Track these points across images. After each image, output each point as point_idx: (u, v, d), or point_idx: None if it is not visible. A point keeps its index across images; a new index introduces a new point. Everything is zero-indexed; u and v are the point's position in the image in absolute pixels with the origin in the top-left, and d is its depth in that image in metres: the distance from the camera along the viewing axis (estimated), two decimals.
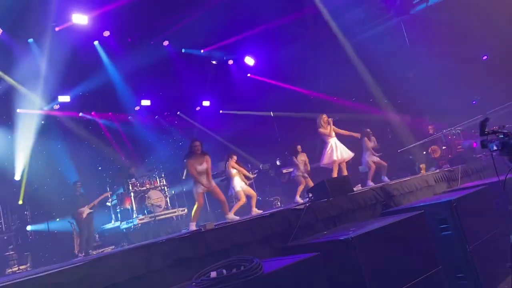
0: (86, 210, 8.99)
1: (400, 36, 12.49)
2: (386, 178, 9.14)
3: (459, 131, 12.00)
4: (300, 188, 9.05)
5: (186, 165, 7.07)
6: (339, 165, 8.66)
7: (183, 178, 10.43)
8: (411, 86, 13.63)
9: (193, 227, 6.54)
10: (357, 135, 9.25)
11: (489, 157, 9.04)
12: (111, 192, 10.26)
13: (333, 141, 8.70)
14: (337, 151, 8.59)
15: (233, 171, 8.32)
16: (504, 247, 4.99)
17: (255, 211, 7.86)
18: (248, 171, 9.43)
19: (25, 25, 9.28)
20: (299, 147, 9.42)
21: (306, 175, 9.22)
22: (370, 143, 9.55)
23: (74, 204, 9.09)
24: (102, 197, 9.64)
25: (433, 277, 4.00)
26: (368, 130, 9.70)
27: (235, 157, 8.53)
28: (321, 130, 8.72)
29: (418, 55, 12.96)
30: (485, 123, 3.21)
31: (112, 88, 11.85)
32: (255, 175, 11.28)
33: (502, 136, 3.18)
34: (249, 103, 14.31)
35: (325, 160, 8.65)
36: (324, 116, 8.80)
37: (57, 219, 10.19)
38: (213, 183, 7.00)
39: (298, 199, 8.74)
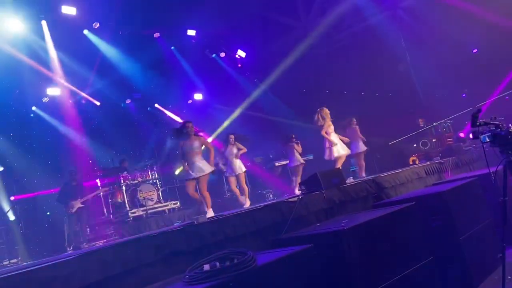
0: (77, 204, 8.83)
1: (389, 30, 12.52)
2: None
3: (449, 124, 12.09)
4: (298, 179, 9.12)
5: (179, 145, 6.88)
6: None
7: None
8: (401, 79, 13.71)
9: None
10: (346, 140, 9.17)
11: (479, 149, 9.16)
12: (107, 189, 9.94)
13: (333, 135, 8.71)
14: (341, 146, 8.66)
15: (235, 152, 8.54)
16: (494, 238, 5.08)
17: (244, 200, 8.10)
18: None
19: None
20: (293, 136, 9.59)
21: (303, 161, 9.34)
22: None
23: (67, 194, 8.89)
24: (95, 193, 9.47)
25: (424, 268, 4.05)
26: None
27: (233, 136, 8.83)
28: (322, 122, 8.64)
29: (408, 48, 13.02)
30: (477, 115, 3.23)
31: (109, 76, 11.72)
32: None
33: (493, 127, 3.21)
34: (240, 96, 14.26)
35: (335, 153, 8.54)
36: (325, 109, 8.79)
37: (48, 213, 10.07)
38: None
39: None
